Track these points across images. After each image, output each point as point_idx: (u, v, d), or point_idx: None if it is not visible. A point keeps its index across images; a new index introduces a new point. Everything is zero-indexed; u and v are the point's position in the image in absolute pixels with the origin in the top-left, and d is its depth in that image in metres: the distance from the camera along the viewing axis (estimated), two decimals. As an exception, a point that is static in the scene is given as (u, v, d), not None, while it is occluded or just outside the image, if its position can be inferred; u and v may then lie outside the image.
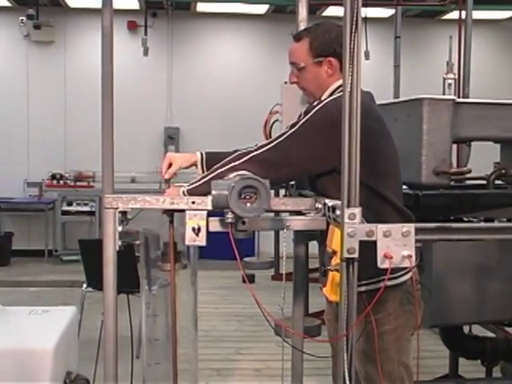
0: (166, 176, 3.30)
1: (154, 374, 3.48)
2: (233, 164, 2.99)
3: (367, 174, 2.72)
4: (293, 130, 3.02)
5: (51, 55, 11.25)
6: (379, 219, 2.61)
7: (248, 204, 2.68)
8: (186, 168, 3.35)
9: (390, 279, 2.60)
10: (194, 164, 3.37)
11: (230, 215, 2.72)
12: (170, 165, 3.33)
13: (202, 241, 2.79)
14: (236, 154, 3.10)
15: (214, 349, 6.10)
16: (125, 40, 10.91)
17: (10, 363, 4.10)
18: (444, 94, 6.86)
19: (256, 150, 3.03)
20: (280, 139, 3.01)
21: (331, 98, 3.12)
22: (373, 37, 9.33)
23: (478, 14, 8.33)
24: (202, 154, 3.40)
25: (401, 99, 4.89)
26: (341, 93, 2.59)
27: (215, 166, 3.06)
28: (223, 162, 3.04)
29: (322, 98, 3.17)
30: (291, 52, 3.25)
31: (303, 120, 3.04)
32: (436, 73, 8.08)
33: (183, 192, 3.01)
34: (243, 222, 2.79)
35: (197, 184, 3.02)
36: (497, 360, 4.66)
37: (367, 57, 9.47)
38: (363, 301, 2.71)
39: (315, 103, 3.15)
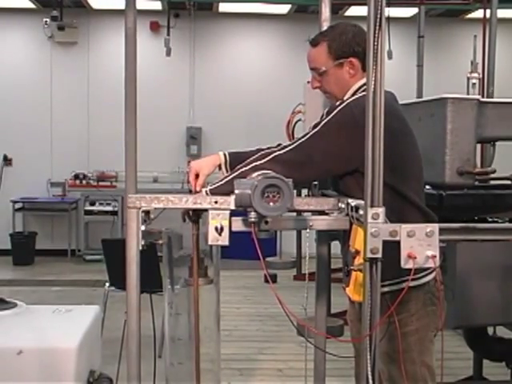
0: (198, 189, 3.23)
1: (176, 374, 3.48)
2: (256, 163, 2.98)
3: (390, 175, 2.69)
4: (315, 130, 3.02)
5: (75, 56, 11.30)
6: (402, 219, 2.59)
7: (271, 203, 2.67)
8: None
9: (412, 280, 2.58)
10: (219, 166, 3.36)
11: (253, 214, 2.71)
12: (197, 175, 3.28)
13: (224, 240, 2.78)
14: (259, 153, 3.09)
15: (237, 348, 6.10)
16: (147, 41, 10.93)
17: (34, 362, 4.12)
18: (468, 93, 6.83)
19: (279, 150, 3.03)
20: (303, 139, 3.01)
21: (353, 97, 3.11)
22: (396, 36, 9.26)
23: (502, 13, 8.26)
24: (225, 155, 3.39)
25: (424, 99, 4.87)
26: (363, 92, 2.59)
27: (238, 166, 3.06)
28: (246, 161, 3.04)
29: (345, 98, 3.16)
30: (310, 58, 3.25)
31: (326, 120, 3.04)
32: (460, 72, 8.05)
33: (206, 192, 3.01)
34: (266, 222, 2.78)
35: (220, 183, 3.02)
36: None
37: (390, 56, 9.44)
38: (386, 301, 2.70)
39: (337, 103, 3.15)
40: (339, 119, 3.03)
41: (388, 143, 2.44)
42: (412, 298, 3.03)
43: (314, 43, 3.24)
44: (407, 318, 3.07)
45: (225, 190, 2.92)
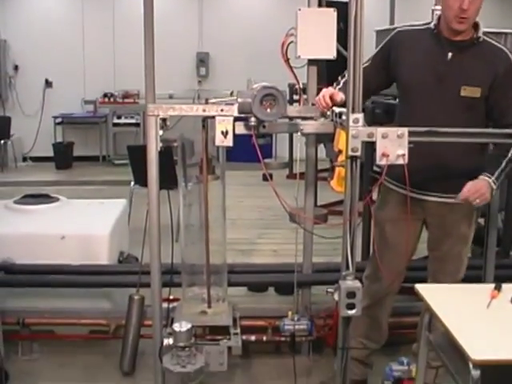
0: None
1: (189, 254, 3.49)
2: None
3: None
4: None
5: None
6: None
7: (268, 110, 2.66)
8: None
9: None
10: None
11: (252, 119, 2.71)
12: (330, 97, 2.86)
13: (229, 142, 2.78)
14: None
15: (240, 234, 6.12)
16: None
17: (75, 246, 4.17)
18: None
19: None
20: None
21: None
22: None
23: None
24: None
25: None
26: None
27: None
28: None
29: (479, 35, 2.90)
30: None
31: None
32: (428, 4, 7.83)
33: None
34: (264, 126, 2.77)
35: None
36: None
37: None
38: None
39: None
40: None
41: None
42: None
43: None
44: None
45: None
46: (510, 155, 2.89)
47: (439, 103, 2.92)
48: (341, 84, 3.00)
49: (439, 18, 2.95)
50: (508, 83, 2.89)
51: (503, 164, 2.89)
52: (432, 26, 2.97)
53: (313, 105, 3.02)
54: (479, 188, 2.82)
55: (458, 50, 2.90)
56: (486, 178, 2.85)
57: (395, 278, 3.20)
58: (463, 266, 3.19)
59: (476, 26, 2.91)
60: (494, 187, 2.86)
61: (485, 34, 2.92)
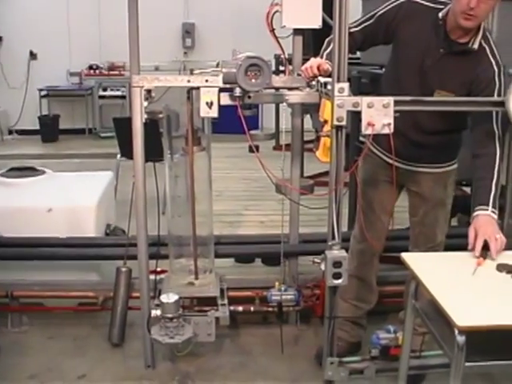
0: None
1: (176, 225, 3.49)
2: None
3: None
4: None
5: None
6: None
7: (253, 80, 2.65)
8: None
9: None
10: None
11: (237, 90, 2.69)
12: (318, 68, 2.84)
13: (214, 113, 2.76)
14: None
15: (227, 205, 6.12)
16: None
17: (62, 218, 4.15)
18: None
19: None
20: None
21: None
22: None
23: None
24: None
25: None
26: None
27: None
28: None
29: (475, 46, 2.82)
30: None
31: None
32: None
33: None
34: (249, 97, 2.75)
35: None
36: (455, 213, 4.66)
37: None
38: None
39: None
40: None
41: None
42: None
43: None
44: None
45: None
46: (495, 176, 2.74)
47: (416, 94, 2.82)
48: (324, 56, 2.96)
49: (449, 10, 2.84)
50: (483, 96, 2.80)
51: (493, 189, 2.71)
52: (440, 15, 2.85)
53: (299, 75, 3.00)
54: (488, 233, 2.56)
55: (450, 50, 2.85)
56: (486, 213, 2.65)
57: (378, 238, 3.28)
58: (441, 229, 3.26)
59: (477, 31, 2.82)
60: (496, 217, 2.67)
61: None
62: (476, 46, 2.81)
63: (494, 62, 2.81)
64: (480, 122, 2.82)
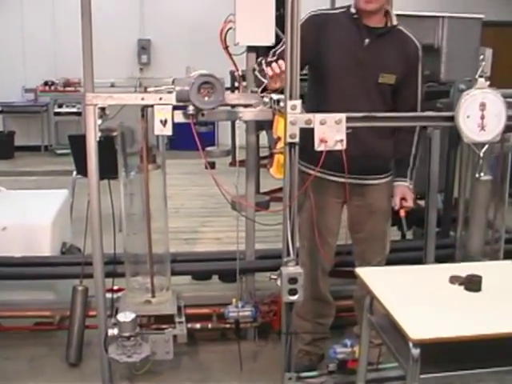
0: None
1: (132, 243, 3.47)
2: None
3: None
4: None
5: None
6: None
7: (206, 98, 2.65)
8: None
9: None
10: None
11: (191, 108, 2.68)
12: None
13: (168, 131, 2.75)
14: None
15: (184, 222, 6.11)
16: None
17: (17, 236, 4.08)
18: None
19: None
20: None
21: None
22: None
23: None
24: None
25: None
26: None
27: None
28: None
29: (394, 23, 3.05)
30: None
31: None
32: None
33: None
34: (203, 114, 2.75)
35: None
36: (410, 226, 4.71)
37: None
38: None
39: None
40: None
41: None
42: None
43: None
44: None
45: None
46: (413, 151, 3.21)
47: (358, 87, 3.03)
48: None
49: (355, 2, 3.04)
50: (413, 73, 3.11)
51: (411, 163, 3.23)
52: (353, 10, 3.03)
53: (252, 92, 3.01)
54: (405, 195, 3.21)
55: (375, 36, 3.01)
56: (405, 184, 3.23)
57: (328, 260, 3.31)
58: (388, 241, 3.33)
59: (387, 14, 3.03)
60: (411, 187, 3.24)
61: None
62: (394, 23, 3.04)
63: (414, 38, 3.10)
64: (404, 105, 3.07)
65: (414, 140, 3.20)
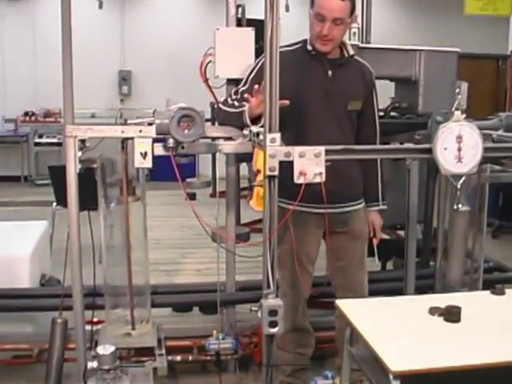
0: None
1: (112, 275, 3.44)
2: None
3: None
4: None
5: (22, 10, 10.82)
6: None
7: (186, 131, 2.66)
8: None
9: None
10: None
11: (171, 141, 2.69)
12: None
13: (148, 163, 2.75)
14: None
15: (164, 254, 6.10)
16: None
17: (-6, 268, 4.04)
18: (350, 40, 6.78)
19: None
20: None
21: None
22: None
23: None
24: None
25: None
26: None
27: None
28: None
29: (350, 53, 3.19)
30: (338, 8, 2.96)
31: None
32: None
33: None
34: (182, 147, 2.76)
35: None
36: (390, 256, 4.74)
37: (287, 9, 9.18)
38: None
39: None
40: None
41: None
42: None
43: None
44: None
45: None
46: (379, 173, 3.37)
47: (330, 117, 3.13)
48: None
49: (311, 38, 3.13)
50: (371, 96, 3.28)
51: (379, 186, 3.38)
52: (309, 47, 3.12)
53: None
54: (374, 222, 3.40)
55: (336, 67, 3.14)
56: (376, 209, 3.41)
57: (307, 289, 3.34)
58: (366, 266, 3.42)
59: (342, 44, 3.18)
60: (385, 207, 3.43)
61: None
62: (351, 53, 3.19)
63: (368, 65, 3.29)
64: (367, 125, 3.30)
65: (378, 162, 3.35)
